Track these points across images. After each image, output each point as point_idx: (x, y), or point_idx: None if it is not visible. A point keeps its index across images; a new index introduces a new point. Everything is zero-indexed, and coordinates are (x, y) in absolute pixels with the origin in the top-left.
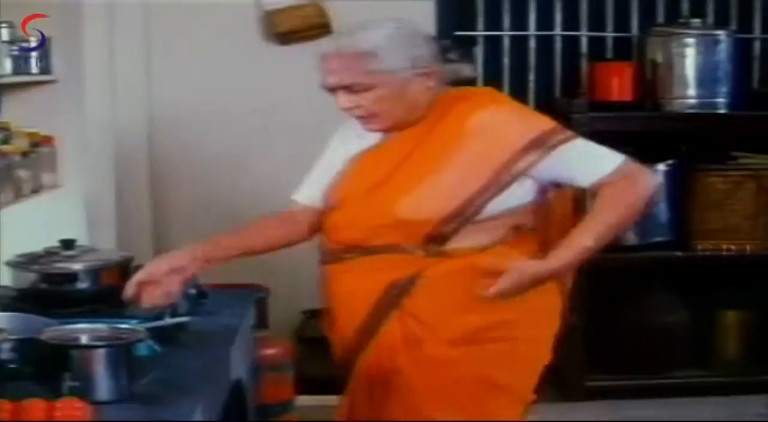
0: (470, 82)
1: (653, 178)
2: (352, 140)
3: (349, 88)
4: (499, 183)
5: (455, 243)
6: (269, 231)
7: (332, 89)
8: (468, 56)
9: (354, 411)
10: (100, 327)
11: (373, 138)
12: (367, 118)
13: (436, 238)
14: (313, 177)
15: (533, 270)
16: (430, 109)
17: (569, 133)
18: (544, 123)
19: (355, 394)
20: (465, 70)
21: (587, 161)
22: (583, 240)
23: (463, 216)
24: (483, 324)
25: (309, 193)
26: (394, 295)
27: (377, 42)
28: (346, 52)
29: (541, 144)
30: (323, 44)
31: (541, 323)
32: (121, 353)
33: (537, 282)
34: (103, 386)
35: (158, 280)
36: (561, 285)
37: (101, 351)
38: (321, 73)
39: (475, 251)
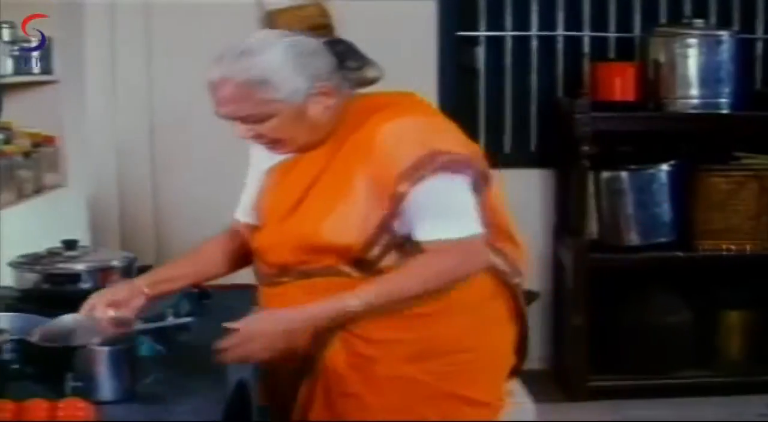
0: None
1: (483, 262)
2: (264, 156)
3: (244, 119)
4: (397, 204)
5: (389, 261)
6: (227, 252)
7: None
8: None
9: None
10: None
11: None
12: (271, 145)
13: (365, 261)
14: (244, 195)
15: (263, 326)
16: (339, 122)
17: (463, 166)
18: (440, 144)
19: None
20: (369, 72)
21: (441, 212)
22: (351, 300)
23: (382, 240)
24: (436, 337)
25: (246, 211)
26: None
27: (268, 67)
28: (236, 80)
29: (418, 168)
30: (210, 68)
31: (494, 330)
32: (122, 353)
33: (287, 332)
34: (106, 386)
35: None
36: (508, 288)
37: (103, 351)
38: (212, 101)
39: None
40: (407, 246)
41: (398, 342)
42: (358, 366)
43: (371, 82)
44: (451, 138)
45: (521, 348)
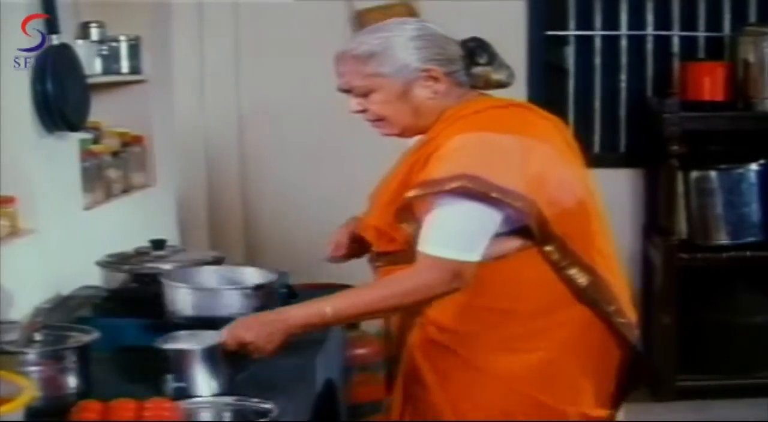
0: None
1: (462, 286)
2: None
3: (352, 91)
4: (401, 207)
5: None
6: None
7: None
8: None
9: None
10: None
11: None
12: (376, 122)
13: None
14: None
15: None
16: (442, 118)
17: (487, 195)
18: (483, 169)
19: (393, 404)
20: (495, 73)
21: (440, 230)
22: (327, 308)
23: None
24: (508, 334)
25: None
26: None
27: (381, 43)
28: (350, 54)
29: (424, 185)
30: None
31: (572, 337)
32: (213, 352)
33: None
34: (196, 385)
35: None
36: (594, 311)
37: (195, 351)
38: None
39: (497, 260)
40: None
41: (470, 333)
42: (432, 355)
43: (497, 84)
44: (508, 165)
45: (631, 371)
